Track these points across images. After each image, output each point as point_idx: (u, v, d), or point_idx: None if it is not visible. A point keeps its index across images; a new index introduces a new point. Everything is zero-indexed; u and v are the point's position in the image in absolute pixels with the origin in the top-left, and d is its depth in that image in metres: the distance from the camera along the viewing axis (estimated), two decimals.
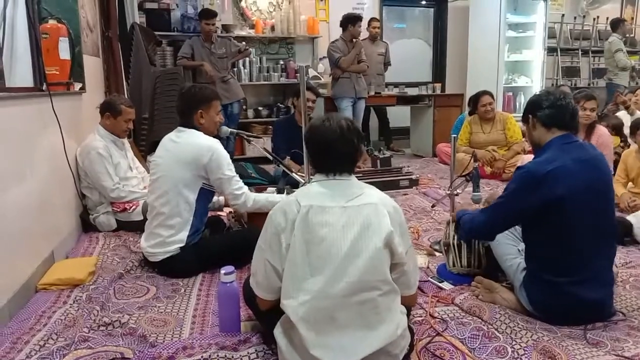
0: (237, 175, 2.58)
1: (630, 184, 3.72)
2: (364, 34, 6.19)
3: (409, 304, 1.68)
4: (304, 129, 2.79)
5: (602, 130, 3.97)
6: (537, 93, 2.14)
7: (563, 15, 7.77)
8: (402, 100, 6.62)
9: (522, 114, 2.18)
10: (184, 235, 2.50)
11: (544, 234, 1.93)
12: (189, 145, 2.49)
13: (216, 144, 2.53)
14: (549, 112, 2.00)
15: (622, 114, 5.24)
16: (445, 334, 1.90)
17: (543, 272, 1.94)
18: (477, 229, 2.13)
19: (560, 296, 1.90)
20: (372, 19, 6.35)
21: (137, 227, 3.06)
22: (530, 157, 2.32)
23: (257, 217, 2.84)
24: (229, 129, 3.12)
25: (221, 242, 2.67)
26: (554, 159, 1.90)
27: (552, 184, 1.85)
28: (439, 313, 2.07)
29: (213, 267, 2.55)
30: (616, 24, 7.00)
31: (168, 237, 2.48)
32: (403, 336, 1.58)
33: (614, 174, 3.82)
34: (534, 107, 2.05)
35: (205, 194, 2.58)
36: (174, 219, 2.48)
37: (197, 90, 2.61)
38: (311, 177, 1.71)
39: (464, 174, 2.67)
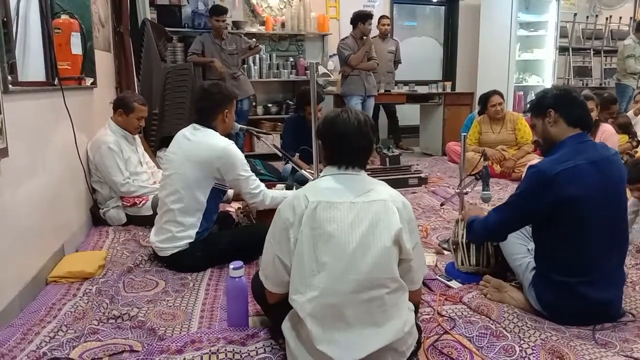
0: (254, 174, 2.59)
1: None
2: (374, 31, 6.18)
3: (412, 299, 1.67)
4: (313, 129, 2.79)
5: (605, 127, 3.98)
6: (555, 88, 2.06)
7: (575, 14, 7.71)
8: (412, 98, 6.60)
9: (533, 106, 2.08)
10: (193, 232, 2.51)
11: (554, 234, 1.92)
12: (204, 145, 2.48)
13: (230, 145, 2.52)
14: (577, 111, 1.96)
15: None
16: (453, 332, 1.90)
17: (553, 271, 1.93)
18: (489, 229, 2.10)
19: (570, 296, 1.89)
20: (382, 17, 6.35)
21: (147, 222, 3.08)
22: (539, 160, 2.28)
23: (266, 213, 2.85)
24: (239, 125, 3.12)
25: (229, 238, 2.68)
26: (566, 159, 1.87)
27: (564, 184, 1.83)
28: (447, 311, 2.07)
29: (221, 262, 2.57)
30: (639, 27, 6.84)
31: (177, 232, 2.49)
32: (410, 333, 1.58)
33: None
34: (557, 101, 1.97)
35: (217, 193, 2.58)
36: (184, 217, 2.49)
37: (223, 88, 2.59)
38: (320, 174, 1.71)
39: (473, 172, 2.66)
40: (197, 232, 2.52)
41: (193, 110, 2.64)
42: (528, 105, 2.16)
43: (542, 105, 2.02)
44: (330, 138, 1.64)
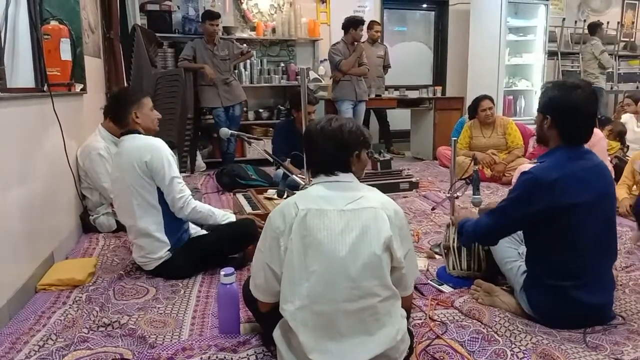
0: (181, 177, 2.50)
1: (635, 187, 3.72)
2: (364, 36, 6.19)
3: (404, 304, 1.66)
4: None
5: (594, 131, 4.01)
6: (567, 88, 1.88)
7: (564, 19, 7.77)
8: (403, 103, 6.62)
9: (540, 99, 1.99)
10: (163, 236, 2.47)
11: (547, 239, 1.92)
12: (131, 150, 2.43)
13: (157, 142, 2.46)
14: (573, 127, 1.89)
15: (627, 117, 5.26)
16: (445, 336, 1.90)
17: (544, 275, 1.93)
18: (480, 234, 2.09)
19: (561, 300, 1.90)
20: (373, 23, 6.35)
21: None
22: (529, 165, 2.27)
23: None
24: (230, 131, 3.12)
25: (213, 238, 2.62)
26: (560, 166, 1.87)
27: (560, 191, 1.83)
28: (438, 316, 2.07)
29: (207, 264, 2.57)
30: (594, 28, 7.07)
31: (149, 244, 2.46)
32: (403, 340, 1.57)
33: (614, 177, 3.84)
34: (560, 110, 1.89)
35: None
36: (145, 224, 2.44)
37: (126, 90, 2.57)
38: (311, 179, 1.71)
39: (464, 177, 2.68)
40: (169, 236, 2.48)
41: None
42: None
43: (543, 104, 1.97)
44: (304, 145, 1.71)
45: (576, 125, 1.91)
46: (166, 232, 2.48)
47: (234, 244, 2.56)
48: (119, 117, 2.52)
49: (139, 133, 2.50)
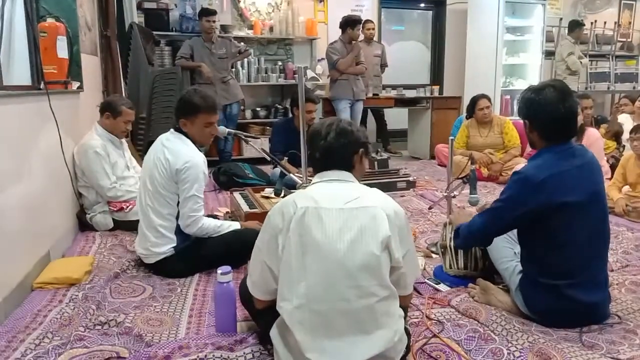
0: (202, 197, 2.52)
1: (627, 187, 3.73)
2: (361, 35, 6.19)
3: (402, 303, 1.65)
4: (302, 132, 2.80)
5: (591, 131, 4.04)
6: (536, 90, 1.95)
7: (561, 19, 7.79)
8: (400, 102, 6.63)
9: (518, 107, 2.06)
10: (171, 234, 2.49)
11: (541, 238, 1.93)
12: (172, 151, 2.45)
13: (197, 157, 2.47)
14: (548, 126, 1.92)
15: (624, 118, 5.27)
16: (442, 335, 1.90)
17: (539, 274, 1.94)
18: (474, 234, 2.10)
19: (557, 299, 1.90)
20: (366, 21, 6.32)
21: (134, 227, 3.03)
22: (525, 163, 2.27)
23: (253, 217, 2.85)
24: (227, 129, 3.11)
25: (215, 242, 2.63)
26: (550, 165, 1.88)
27: (551, 190, 1.84)
28: (435, 315, 2.07)
29: (208, 267, 2.55)
30: (573, 26, 7.00)
31: (156, 237, 2.48)
32: (400, 340, 1.56)
33: (611, 177, 3.86)
34: (532, 112, 1.95)
35: None
36: (159, 218, 2.47)
37: (188, 97, 2.51)
38: (309, 178, 1.72)
39: (461, 176, 2.68)
40: (177, 237, 2.49)
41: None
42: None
43: (519, 108, 2.03)
44: (308, 143, 1.72)
45: (552, 123, 1.92)
46: (176, 232, 2.50)
47: (237, 252, 2.55)
48: (175, 116, 2.57)
49: (187, 136, 2.52)
